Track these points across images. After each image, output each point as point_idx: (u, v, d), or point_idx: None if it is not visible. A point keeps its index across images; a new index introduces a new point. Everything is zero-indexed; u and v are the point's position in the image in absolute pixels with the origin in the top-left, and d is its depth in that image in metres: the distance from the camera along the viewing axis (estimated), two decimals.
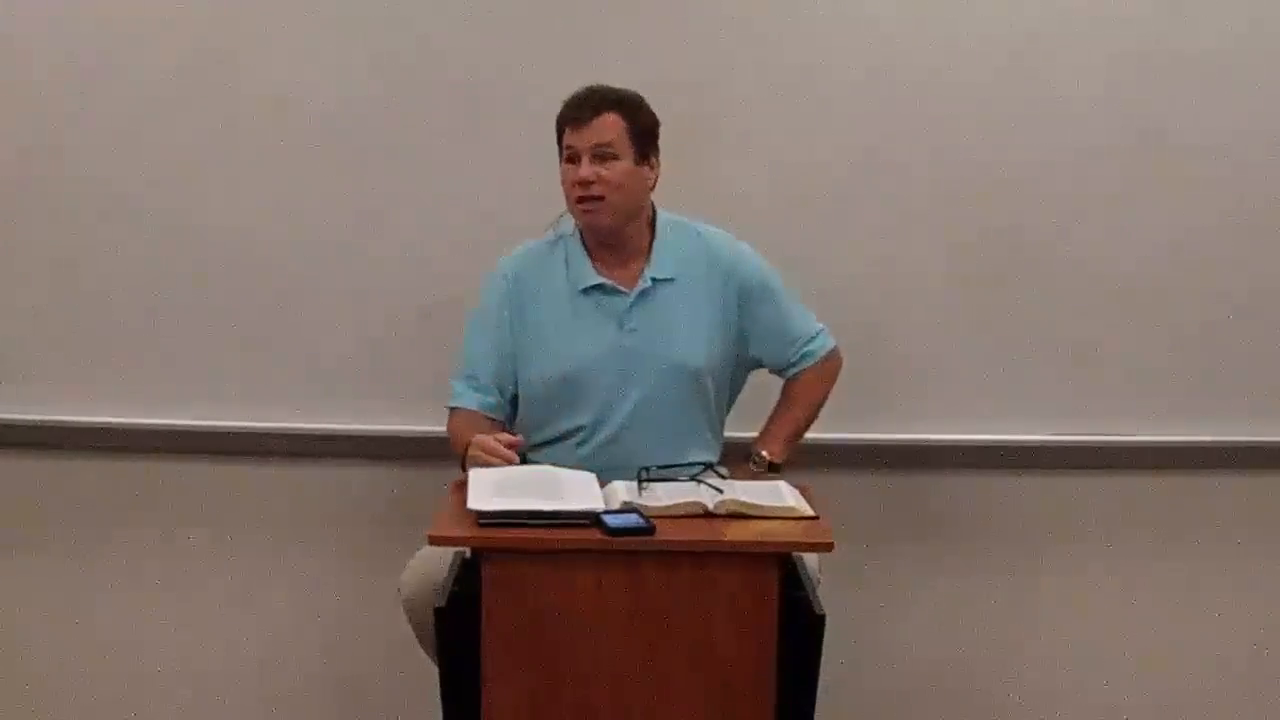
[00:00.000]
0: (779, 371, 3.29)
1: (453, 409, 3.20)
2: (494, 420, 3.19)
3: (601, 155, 3.09)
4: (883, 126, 3.53)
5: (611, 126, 3.10)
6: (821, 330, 3.29)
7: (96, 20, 3.48)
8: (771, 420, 3.29)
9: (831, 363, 3.31)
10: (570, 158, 3.11)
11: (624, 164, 3.10)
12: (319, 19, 3.50)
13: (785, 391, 3.30)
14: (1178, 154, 3.54)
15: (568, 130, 3.12)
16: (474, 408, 3.18)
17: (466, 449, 3.03)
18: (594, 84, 3.14)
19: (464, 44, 3.50)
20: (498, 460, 2.96)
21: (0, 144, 3.51)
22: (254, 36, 3.49)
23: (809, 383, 3.28)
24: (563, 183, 3.14)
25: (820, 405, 3.30)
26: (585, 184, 3.09)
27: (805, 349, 3.27)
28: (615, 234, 3.17)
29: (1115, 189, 3.55)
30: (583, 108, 3.11)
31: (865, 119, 3.53)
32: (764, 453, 3.23)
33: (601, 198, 3.10)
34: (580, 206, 3.12)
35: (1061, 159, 3.54)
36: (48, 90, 3.50)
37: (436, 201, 3.52)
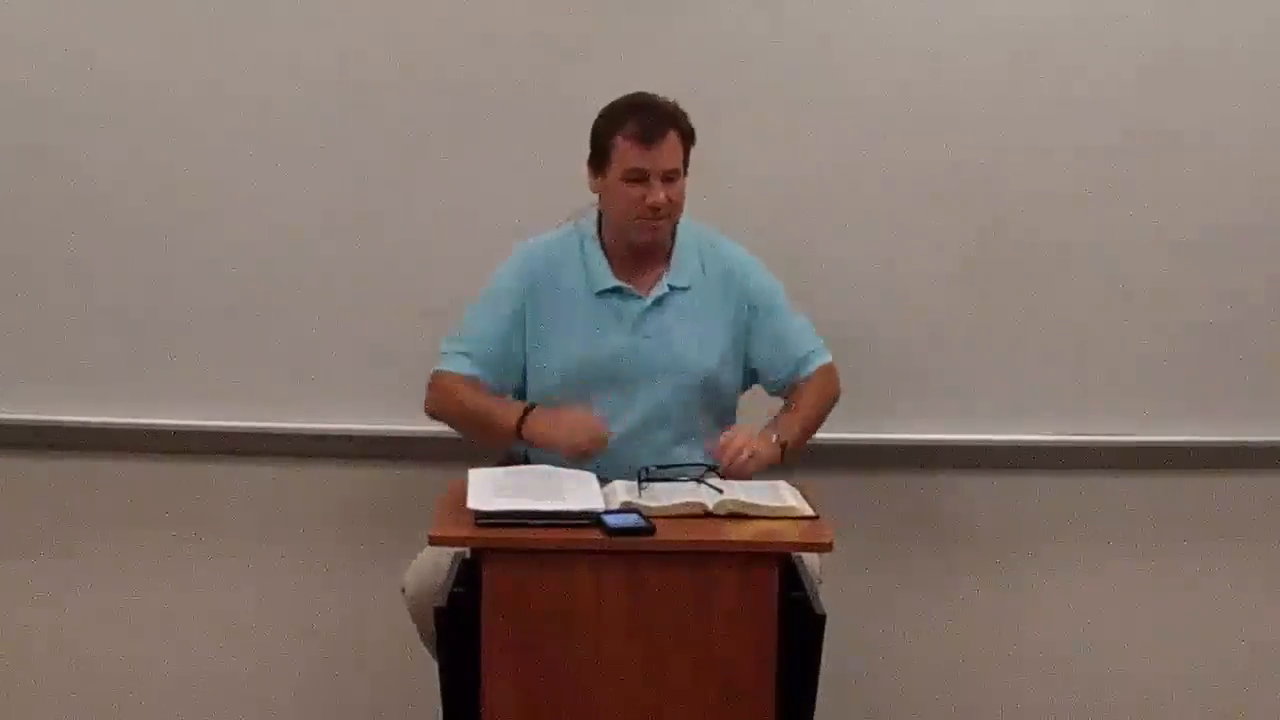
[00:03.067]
0: (777, 388, 3.27)
1: (444, 371, 3.19)
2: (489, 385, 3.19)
3: (670, 179, 3.09)
4: (883, 126, 3.53)
5: (675, 148, 3.09)
6: (820, 348, 3.27)
7: (95, 21, 3.48)
8: (782, 413, 3.23)
9: (830, 376, 3.27)
10: (638, 178, 3.08)
11: (682, 182, 3.12)
12: (320, 19, 3.50)
13: (788, 399, 3.26)
14: (1178, 153, 3.54)
15: (634, 148, 3.07)
16: (462, 372, 3.17)
17: (527, 412, 3.06)
18: (645, 95, 3.11)
19: (464, 45, 3.50)
20: (589, 445, 2.99)
21: (0, 145, 3.52)
22: (253, 36, 3.49)
23: (808, 393, 3.24)
24: (621, 198, 3.10)
25: (822, 415, 3.25)
26: (656, 207, 3.08)
27: (802, 365, 3.25)
28: (646, 245, 3.17)
29: (1115, 188, 3.55)
30: (651, 126, 3.07)
31: (865, 118, 3.53)
32: (778, 435, 3.14)
33: (668, 217, 3.12)
34: (643, 223, 3.11)
35: (1062, 158, 3.54)
36: (49, 92, 3.49)
37: (436, 202, 3.52)
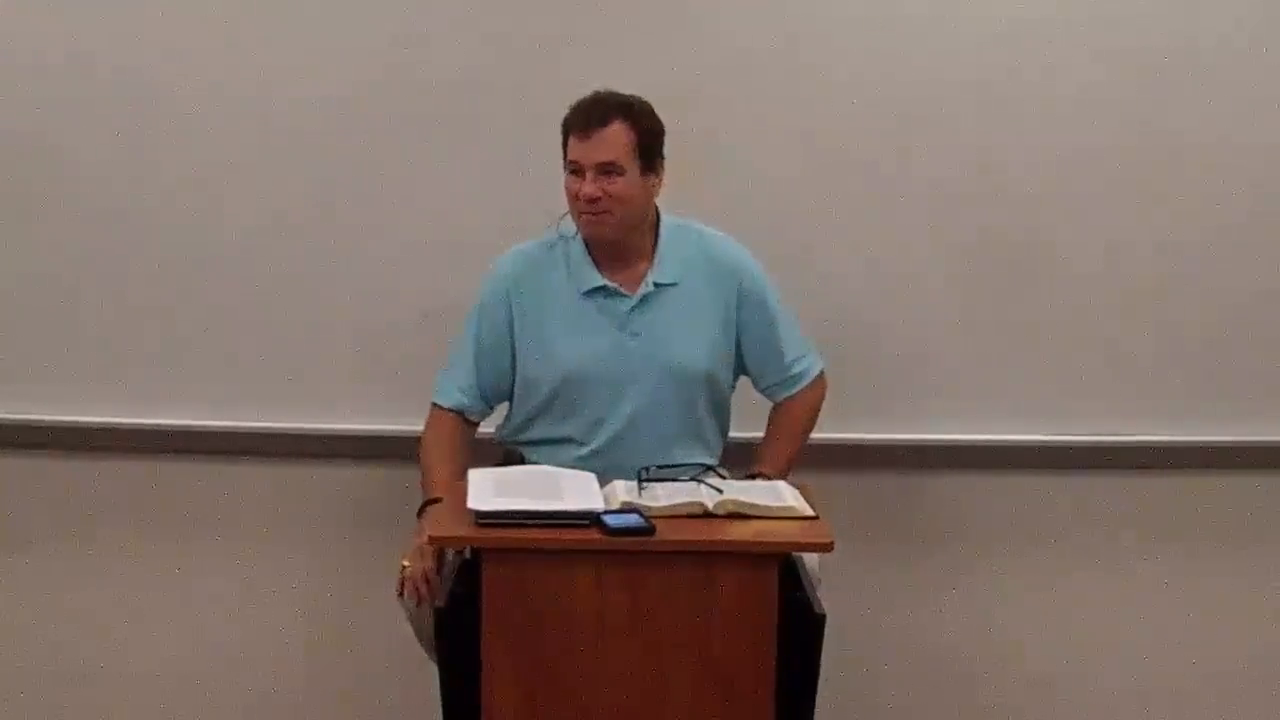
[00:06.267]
0: (765, 390, 3.29)
1: (433, 404, 3.25)
2: (470, 423, 3.25)
3: (606, 172, 3.06)
4: (882, 126, 3.52)
5: (617, 141, 3.05)
6: (812, 353, 3.29)
7: (91, 19, 3.48)
8: (766, 447, 3.28)
9: (817, 391, 3.30)
10: (575, 170, 3.08)
11: (629, 177, 3.07)
12: (318, 18, 3.49)
13: (774, 420, 3.30)
14: (1178, 154, 3.54)
15: (573, 140, 3.07)
16: (450, 406, 3.22)
17: (432, 491, 3.08)
18: (600, 91, 3.10)
19: (463, 45, 3.50)
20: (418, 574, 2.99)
21: None
22: (250, 35, 3.49)
23: (796, 413, 3.29)
24: (566, 190, 3.11)
25: (809, 433, 3.31)
26: (591, 200, 3.07)
27: (793, 371, 3.26)
28: (619, 242, 3.16)
29: (1115, 189, 3.55)
30: (589, 117, 3.06)
31: (865, 119, 3.52)
32: (766, 473, 3.19)
33: (607, 211, 3.08)
34: (584, 218, 3.10)
35: (1061, 159, 3.54)
36: (46, 92, 3.49)
37: (436, 202, 3.52)
